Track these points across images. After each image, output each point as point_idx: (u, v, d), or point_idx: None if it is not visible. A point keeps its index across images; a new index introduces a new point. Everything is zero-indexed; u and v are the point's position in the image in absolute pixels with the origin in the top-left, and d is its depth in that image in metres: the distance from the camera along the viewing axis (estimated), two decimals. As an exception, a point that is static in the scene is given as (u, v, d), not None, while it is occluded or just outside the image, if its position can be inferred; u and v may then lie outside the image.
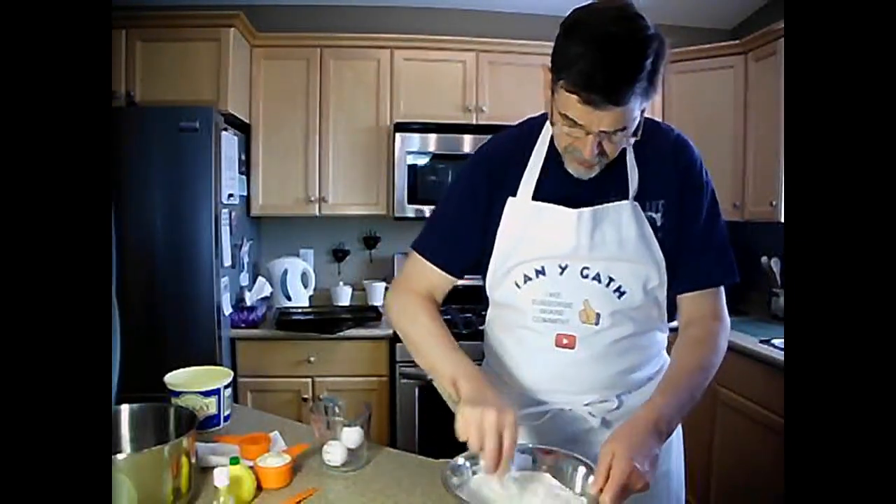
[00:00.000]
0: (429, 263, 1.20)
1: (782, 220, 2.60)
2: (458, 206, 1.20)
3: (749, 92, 2.85)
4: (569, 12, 0.97)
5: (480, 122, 3.00)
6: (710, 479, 2.53)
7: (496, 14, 3.31)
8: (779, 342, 2.34)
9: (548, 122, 1.13)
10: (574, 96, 0.93)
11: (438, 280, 1.21)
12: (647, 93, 0.94)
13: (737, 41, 2.90)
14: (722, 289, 1.17)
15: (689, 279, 1.15)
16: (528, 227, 1.13)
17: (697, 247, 1.13)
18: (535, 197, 1.12)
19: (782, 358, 2.16)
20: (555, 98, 0.99)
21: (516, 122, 1.25)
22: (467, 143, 2.92)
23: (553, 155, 1.12)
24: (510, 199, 1.14)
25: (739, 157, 2.87)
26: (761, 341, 2.36)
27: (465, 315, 2.74)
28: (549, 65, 0.99)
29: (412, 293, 1.21)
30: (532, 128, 1.18)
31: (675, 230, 1.12)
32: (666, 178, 1.12)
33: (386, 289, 3.14)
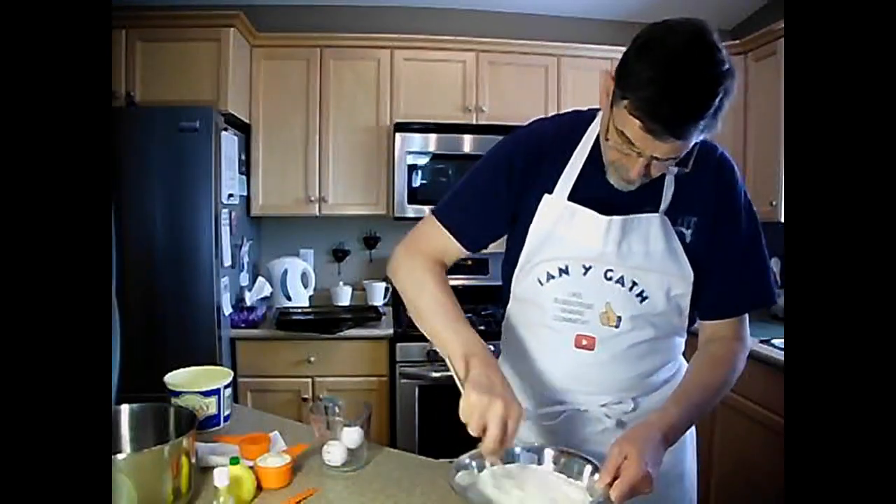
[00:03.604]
0: (446, 232, 1.18)
1: (782, 220, 2.60)
2: (489, 183, 1.17)
3: (749, 92, 2.85)
4: (645, 28, 0.94)
5: (480, 122, 2.97)
6: (710, 479, 2.52)
7: (496, 14, 3.31)
8: (779, 342, 2.33)
9: (595, 122, 1.13)
10: (636, 121, 0.92)
11: (451, 249, 1.19)
12: (709, 128, 0.93)
13: (737, 41, 2.90)
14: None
15: (719, 306, 1.15)
16: (558, 226, 1.12)
17: (732, 273, 1.12)
18: (571, 197, 1.11)
19: (782, 358, 2.16)
20: (613, 112, 0.97)
21: (522, 122, 1.24)
22: (467, 143, 2.91)
23: (594, 157, 1.10)
24: (546, 195, 1.13)
25: (739, 157, 2.87)
26: (761, 341, 2.36)
27: (466, 315, 2.72)
28: (613, 74, 0.96)
29: (421, 255, 1.18)
30: (577, 124, 1.15)
31: (706, 249, 1.11)
32: (702, 196, 1.10)
33: (387, 288, 3.15)
